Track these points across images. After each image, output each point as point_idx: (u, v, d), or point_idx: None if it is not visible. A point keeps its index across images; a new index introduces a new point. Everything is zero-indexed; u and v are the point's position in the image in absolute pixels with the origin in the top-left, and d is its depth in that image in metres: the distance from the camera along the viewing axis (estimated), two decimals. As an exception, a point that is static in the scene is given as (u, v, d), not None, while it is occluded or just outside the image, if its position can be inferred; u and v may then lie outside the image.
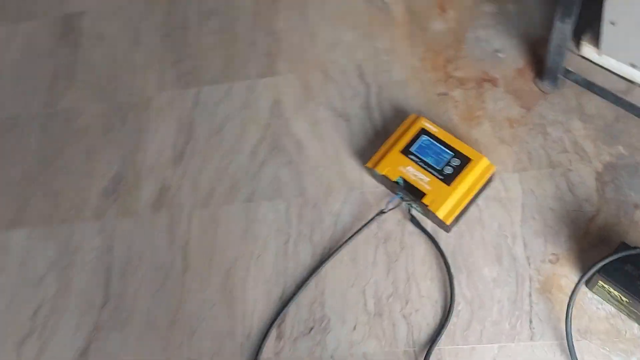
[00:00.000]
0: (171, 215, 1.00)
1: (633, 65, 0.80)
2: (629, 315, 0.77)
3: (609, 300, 0.78)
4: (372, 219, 0.89)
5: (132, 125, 1.11)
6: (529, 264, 0.84)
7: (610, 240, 0.82)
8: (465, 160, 0.86)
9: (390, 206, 0.89)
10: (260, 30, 1.13)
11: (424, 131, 0.89)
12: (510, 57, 0.99)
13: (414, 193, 0.86)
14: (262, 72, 1.08)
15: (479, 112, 0.95)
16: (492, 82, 0.97)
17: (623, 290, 0.72)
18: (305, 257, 0.92)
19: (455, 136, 0.92)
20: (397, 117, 0.98)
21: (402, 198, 0.89)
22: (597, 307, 0.79)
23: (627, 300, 0.73)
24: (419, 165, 0.87)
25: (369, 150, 0.96)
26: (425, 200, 0.84)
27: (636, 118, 0.88)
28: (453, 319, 0.83)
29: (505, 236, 0.86)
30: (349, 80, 1.04)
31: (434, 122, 0.94)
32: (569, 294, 0.80)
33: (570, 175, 0.87)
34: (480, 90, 0.97)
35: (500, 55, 0.99)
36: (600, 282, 0.75)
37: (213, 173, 1.02)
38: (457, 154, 0.87)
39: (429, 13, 1.06)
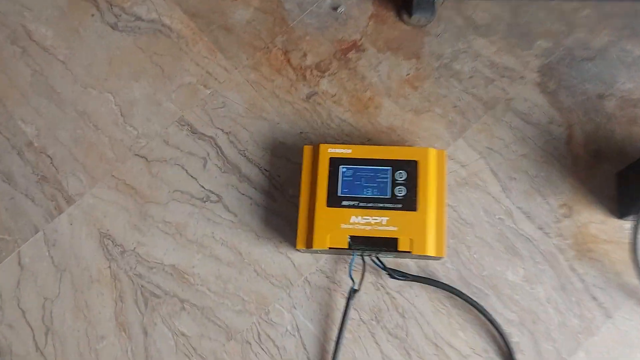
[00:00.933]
0: None
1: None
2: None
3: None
4: (347, 308, 0.61)
5: None
6: (547, 235, 0.64)
7: (604, 151, 0.65)
8: (411, 167, 0.61)
9: (357, 277, 0.62)
10: (3, 152, 0.71)
11: (335, 161, 0.62)
12: (353, 8, 0.73)
13: (380, 244, 0.59)
14: (53, 208, 0.69)
15: (368, 93, 0.70)
16: (355, 47, 0.72)
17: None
18: (296, 412, 0.62)
19: (371, 141, 0.66)
20: (278, 158, 0.68)
21: (362, 255, 0.62)
22: None
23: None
24: (362, 207, 0.60)
25: (274, 220, 0.66)
26: (402, 247, 0.59)
27: (535, 1, 0.70)
28: (519, 357, 0.61)
29: (501, 219, 0.65)
30: (183, 149, 0.70)
31: (331, 140, 0.67)
32: (609, 239, 0.63)
33: (514, 105, 0.68)
34: (350, 66, 0.71)
35: (341, 10, 0.73)
36: (651, 211, 0.58)
37: (86, 390, 0.64)
38: (396, 164, 0.61)
39: (221, 6, 0.75)
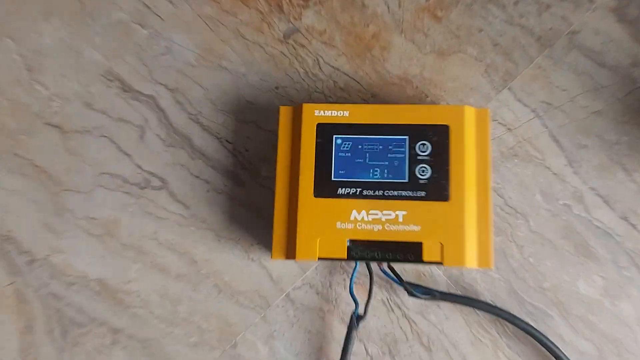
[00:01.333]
0: None
1: None
2: None
3: None
4: (349, 338, 0.42)
5: None
6: (634, 227, 0.45)
7: None
8: (438, 135, 0.41)
9: (362, 295, 0.43)
10: None
11: (326, 129, 0.42)
12: None
13: (395, 253, 0.40)
14: None
15: (371, 28, 0.49)
16: (352, -37, 0.50)
17: None
18: None
19: (377, 99, 0.46)
20: (245, 124, 0.48)
21: (367, 263, 0.43)
22: None
23: None
24: (368, 197, 0.40)
25: (241, 213, 0.47)
26: (429, 257, 0.39)
27: None
28: (598, 407, 0.42)
29: (566, 205, 0.45)
30: (111, 115, 0.50)
31: (320, 98, 0.47)
32: None
33: (581, 41, 0.47)
34: (344, -10, 0.50)
35: None
36: None
37: None
38: (415, 132, 0.41)
39: None
